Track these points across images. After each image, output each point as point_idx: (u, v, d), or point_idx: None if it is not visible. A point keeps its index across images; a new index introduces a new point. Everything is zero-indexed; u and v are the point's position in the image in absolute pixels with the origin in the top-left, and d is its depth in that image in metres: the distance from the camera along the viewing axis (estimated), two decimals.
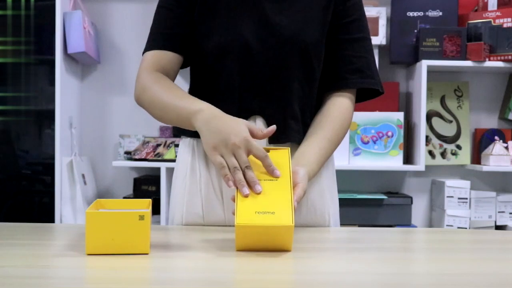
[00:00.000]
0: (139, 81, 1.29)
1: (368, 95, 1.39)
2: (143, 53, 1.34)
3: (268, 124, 1.28)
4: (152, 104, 1.27)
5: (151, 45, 1.32)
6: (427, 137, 2.78)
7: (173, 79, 1.33)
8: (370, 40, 1.36)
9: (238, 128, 1.12)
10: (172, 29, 1.30)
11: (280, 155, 1.13)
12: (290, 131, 1.29)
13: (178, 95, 1.23)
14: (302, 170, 1.17)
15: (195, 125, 1.17)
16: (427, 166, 2.73)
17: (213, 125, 1.14)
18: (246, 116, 1.28)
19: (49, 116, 2.65)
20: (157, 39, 1.31)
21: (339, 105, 1.32)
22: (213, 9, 1.29)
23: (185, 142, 1.37)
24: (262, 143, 1.28)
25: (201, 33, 1.30)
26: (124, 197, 2.77)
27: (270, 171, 1.09)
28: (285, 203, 1.05)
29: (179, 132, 1.38)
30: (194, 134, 1.33)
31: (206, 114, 1.16)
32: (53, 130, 2.65)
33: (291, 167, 1.12)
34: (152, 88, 1.26)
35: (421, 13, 2.73)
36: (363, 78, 1.32)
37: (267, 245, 1.04)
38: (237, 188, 1.07)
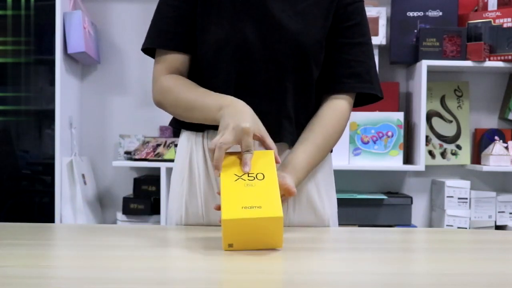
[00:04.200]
0: (158, 84, 1.30)
1: (367, 100, 1.38)
2: (146, 46, 1.33)
3: (262, 122, 1.28)
4: (175, 105, 1.28)
5: (158, 42, 1.31)
6: (427, 137, 2.78)
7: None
8: (371, 45, 1.35)
9: (255, 119, 1.14)
10: (179, 28, 1.30)
11: (265, 156, 1.13)
12: (284, 131, 1.28)
13: (201, 93, 1.24)
14: (289, 178, 1.18)
15: (219, 116, 1.17)
16: (427, 166, 2.72)
17: (232, 111, 1.15)
18: None
19: (49, 116, 2.65)
20: (165, 38, 1.30)
21: (334, 108, 1.32)
22: (215, 5, 1.28)
23: (184, 136, 1.36)
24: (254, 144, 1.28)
25: (202, 27, 1.29)
26: (124, 197, 2.77)
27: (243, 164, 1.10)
28: (272, 197, 1.04)
29: (178, 125, 1.36)
30: (194, 128, 1.32)
31: (232, 107, 1.16)
32: (53, 130, 2.64)
33: (277, 172, 1.11)
34: (175, 89, 1.27)
35: (421, 13, 2.73)
36: (360, 82, 1.31)
37: (256, 242, 1.03)
38: (221, 185, 1.07)
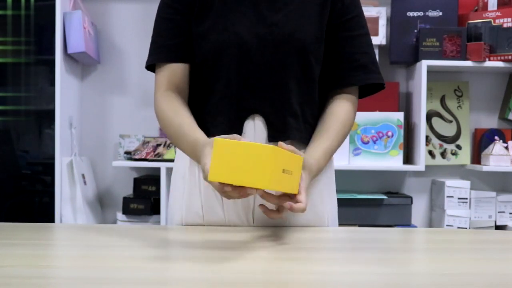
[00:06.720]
0: (155, 105, 1.33)
1: (369, 90, 1.40)
2: (147, 64, 1.36)
3: (267, 123, 1.28)
4: (166, 131, 1.31)
5: (156, 57, 1.34)
6: (427, 137, 2.78)
7: (187, 90, 1.35)
8: (369, 35, 1.37)
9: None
10: (175, 39, 1.32)
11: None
12: (290, 129, 1.29)
13: (184, 126, 1.25)
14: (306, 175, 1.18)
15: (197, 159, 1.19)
16: (427, 166, 2.72)
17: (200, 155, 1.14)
18: (244, 115, 1.28)
19: (49, 116, 2.65)
20: (162, 52, 1.33)
21: (343, 105, 1.33)
22: (210, 9, 1.29)
23: None
24: (262, 142, 1.28)
25: (199, 33, 1.30)
26: (124, 197, 2.77)
27: None
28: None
29: None
30: None
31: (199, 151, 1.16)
32: (53, 130, 2.65)
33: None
34: (164, 115, 1.30)
35: (421, 13, 2.73)
36: (367, 73, 1.33)
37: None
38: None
